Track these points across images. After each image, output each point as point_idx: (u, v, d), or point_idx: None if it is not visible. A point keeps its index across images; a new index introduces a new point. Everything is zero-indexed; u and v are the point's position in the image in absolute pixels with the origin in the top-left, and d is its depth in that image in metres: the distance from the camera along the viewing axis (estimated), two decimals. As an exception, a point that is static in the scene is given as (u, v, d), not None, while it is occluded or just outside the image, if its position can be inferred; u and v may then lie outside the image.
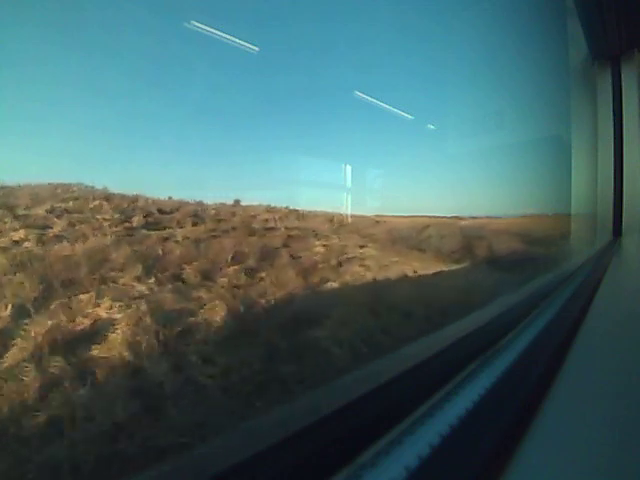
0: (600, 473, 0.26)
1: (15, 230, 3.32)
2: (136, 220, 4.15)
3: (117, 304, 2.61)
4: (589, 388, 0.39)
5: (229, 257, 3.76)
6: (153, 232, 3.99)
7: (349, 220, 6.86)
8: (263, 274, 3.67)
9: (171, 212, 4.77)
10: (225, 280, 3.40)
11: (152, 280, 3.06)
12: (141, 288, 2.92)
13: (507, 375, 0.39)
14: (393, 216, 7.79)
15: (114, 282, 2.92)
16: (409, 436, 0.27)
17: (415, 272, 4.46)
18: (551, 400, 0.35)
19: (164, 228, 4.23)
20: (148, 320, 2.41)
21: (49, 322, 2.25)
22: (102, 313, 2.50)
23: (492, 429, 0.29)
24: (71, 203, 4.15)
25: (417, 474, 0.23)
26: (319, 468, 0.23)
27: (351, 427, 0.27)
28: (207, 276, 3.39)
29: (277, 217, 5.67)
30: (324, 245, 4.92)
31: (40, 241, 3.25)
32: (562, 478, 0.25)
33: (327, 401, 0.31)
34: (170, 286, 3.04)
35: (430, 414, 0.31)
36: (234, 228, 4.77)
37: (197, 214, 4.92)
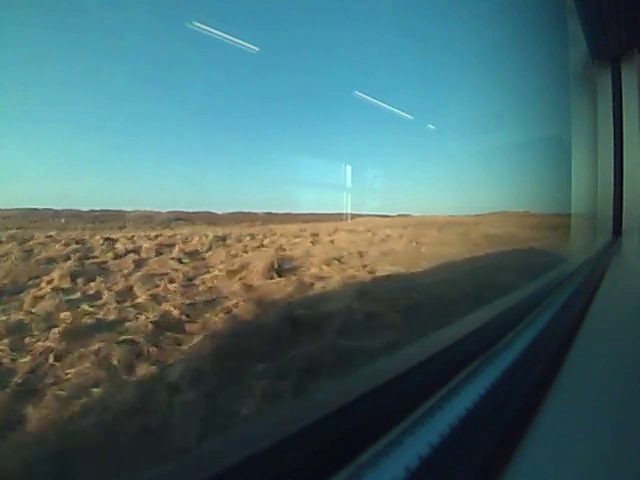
0: (600, 473, 0.26)
1: None
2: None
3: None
4: (589, 388, 0.39)
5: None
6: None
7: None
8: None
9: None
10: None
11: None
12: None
13: (507, 375, 0.39)
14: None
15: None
16: (409, 436, 0.27)
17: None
18: (551, 400, 0.35)
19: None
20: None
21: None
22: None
23: (492, 429, 0.29)
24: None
25: (417, 474, 0.23)
26: (319, 468, 0.23)
27: (351, 427, 0.27)
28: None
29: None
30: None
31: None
32: (562, 478, 0.25)
33: (327, 401, 0.31)
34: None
35: (430, 414, 0.31)
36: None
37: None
